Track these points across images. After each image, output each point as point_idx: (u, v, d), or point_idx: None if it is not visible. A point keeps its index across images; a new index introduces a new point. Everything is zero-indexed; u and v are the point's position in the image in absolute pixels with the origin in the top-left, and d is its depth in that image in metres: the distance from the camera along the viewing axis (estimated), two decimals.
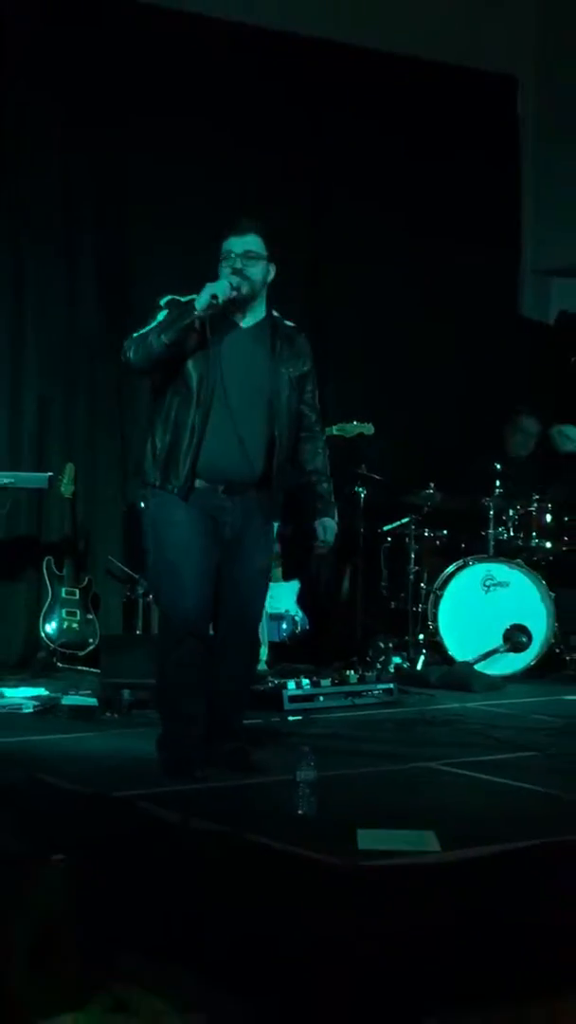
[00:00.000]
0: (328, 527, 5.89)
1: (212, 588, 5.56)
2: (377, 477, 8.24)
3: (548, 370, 9.74)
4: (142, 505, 5.75)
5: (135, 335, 5.51)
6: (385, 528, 8.69)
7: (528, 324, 10.42)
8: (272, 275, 5.65)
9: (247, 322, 5.63)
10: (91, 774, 5.37)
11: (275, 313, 5.75)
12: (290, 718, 6.72)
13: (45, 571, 8.27)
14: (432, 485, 8.47)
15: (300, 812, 4.66)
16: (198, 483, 5.45)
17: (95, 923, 4.19)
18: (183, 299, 5.49)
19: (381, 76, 9.54)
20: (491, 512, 8.43)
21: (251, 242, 5.58)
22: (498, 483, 8.45)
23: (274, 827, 4.46)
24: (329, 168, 9.50)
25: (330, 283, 9.54)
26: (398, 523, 8.60)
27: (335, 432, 7.76)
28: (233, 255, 5.53)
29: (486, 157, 10.15)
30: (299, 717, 6.74)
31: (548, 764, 5.78)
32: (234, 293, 5.45)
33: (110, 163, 8.79)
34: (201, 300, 5.38)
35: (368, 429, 7.92)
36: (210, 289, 5.39)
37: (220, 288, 5.41)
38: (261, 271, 5.59)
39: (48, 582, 8.24)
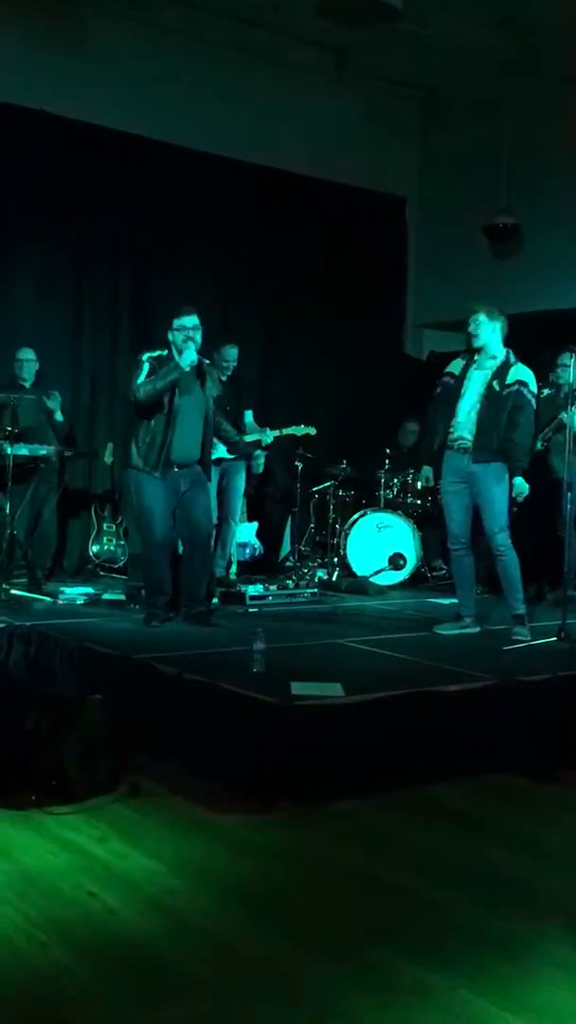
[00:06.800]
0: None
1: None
2: (310, 456, 8.24)
3: (422, 388, 9.72)
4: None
5: (138, 383, 5.86)
6: (314, 489, 8.67)
7: (409, 359, 10.40)
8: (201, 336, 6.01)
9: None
10: (120, 643, 5.33)
11: (202, 357, 6.04)
12: (250, 610, 6.68)
13: (93, 512, 8.23)
14: (345, 461, 8.47)
15: (255, 670, 4.67)
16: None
17: (121, 738, 4.23)
18: (155, 354, 5.92)
19: (315, 195, 9.39)
20: (382, 480, 8.45)
21: (196, 320, 5.93)
22: (387, 462, 8.49)
23: (238, 679, 4.49)
24: (279, 257, 9.37)
25: (280, 337, 9.46)
26: (323, 486, 8.58)
27: (289, 432, 7.75)
28: (188, 329, 5.86)
29: (385, 252, 10.07)
30: (256, 609, 6.70)
31: (412, 641, 5.78)
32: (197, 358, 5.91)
33: (140, 261, 8.72)
34: (185, 363, 5.81)
35: (312, 430, 7.85)
36: (189, 358, 5.82)
37: (193, 356, 5.83)
38: (200, 335, 5.95)
39: (95, 519, 8.21)
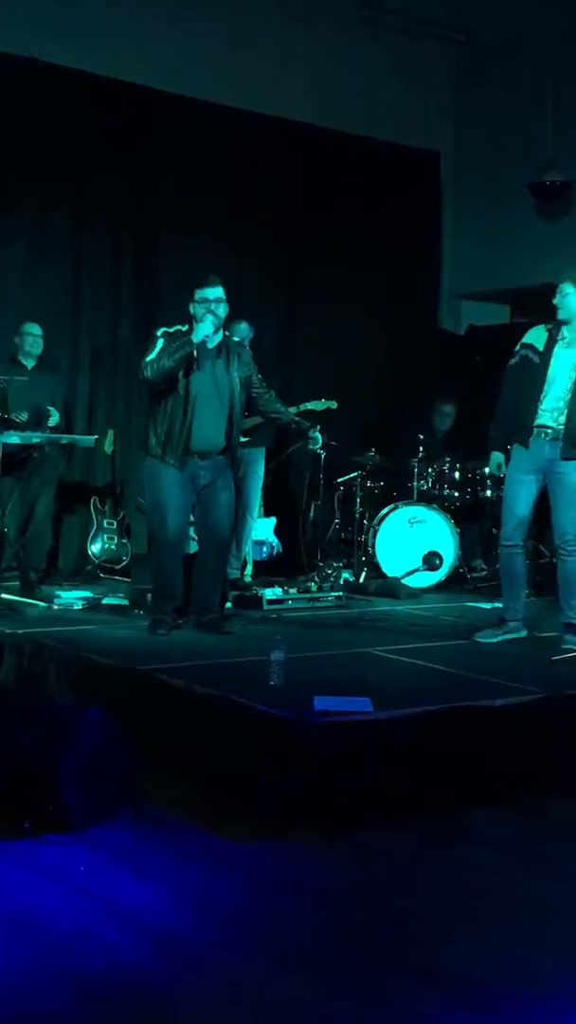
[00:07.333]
0: (315, 437, 6.37)
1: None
2: (334, 443, 8.22)
3: (459, 366, 9.72)
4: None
5: (148, 360, 5.82)
6: (339, 480, 8.66)
7: (445, 334, 10.37)
8: (227, 311, 5.96)
9: (211, 343, 5.86)
10: (123, 653, 5.34)
11: (226, 333, 6.02)
12: (268, 615, 6.65)
13: (92, 507, 8.23)
14: (373, 449, 8.46)
15: (272, 683, 4.67)
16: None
17: (123, 757, 4.24)
18: (171, 329, 5.85)
19: (338, 150, 9.35)
20: (415, 470, 8.43)
21: (219, 292, 5.86)
22: (421, 449, 8.49)
23: (254, 693, 4.49)
24: (298, 219, 9.36)
25: (301, 309, 9.44)
26: (348, 476, 8.56)
27: (308, 407, 7.71)
28: (209, 302, 5.80)
29: (418, 214, 10.01)
30: (274, 615, 6.68)
31: (450, 650, 5.77)
32: (215, 331, 5.81)
33: (145, 223, 8.73)
34: (197, 337, 5.73)
35: (333, 404, 7.79)
36: (202, 331, 5.74)
37: (208, 330, 5.75)
38: (224, 310, 5.89)
39: (94, 515, 8.21)
